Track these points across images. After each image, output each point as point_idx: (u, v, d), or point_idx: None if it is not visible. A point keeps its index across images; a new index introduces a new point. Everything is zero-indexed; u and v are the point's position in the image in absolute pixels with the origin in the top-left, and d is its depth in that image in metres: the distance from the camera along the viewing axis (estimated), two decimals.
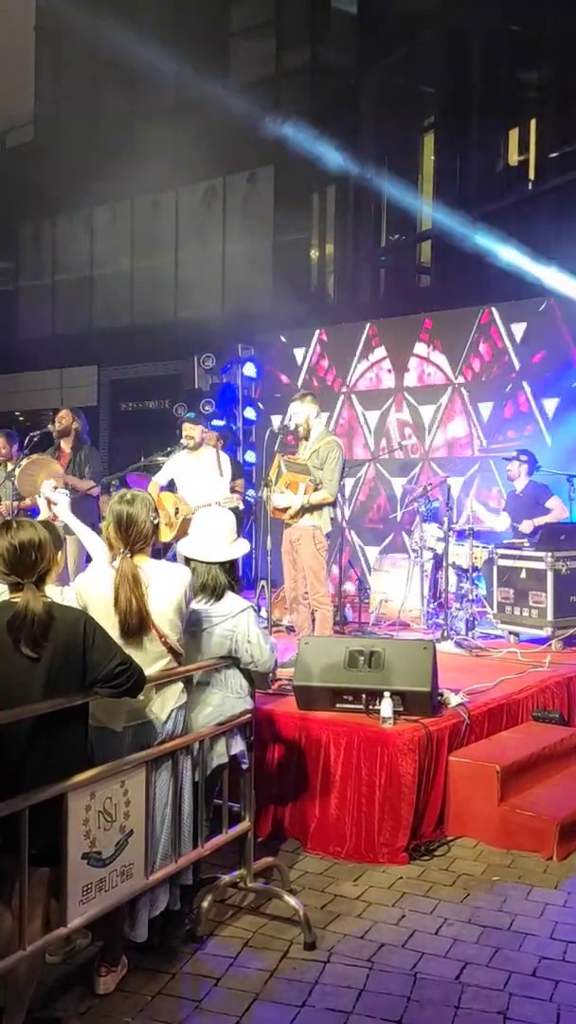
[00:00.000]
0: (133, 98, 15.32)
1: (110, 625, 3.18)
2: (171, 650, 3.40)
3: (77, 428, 7.37)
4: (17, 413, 16.49)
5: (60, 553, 3.15)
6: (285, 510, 6.19)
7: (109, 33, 14.48)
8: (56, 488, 4.48)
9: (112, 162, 14.20)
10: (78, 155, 15.13)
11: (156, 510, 3.50)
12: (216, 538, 3.93)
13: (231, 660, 3.86)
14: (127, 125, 14.85)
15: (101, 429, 14.76)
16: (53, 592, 3.15)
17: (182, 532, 6.32)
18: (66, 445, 7.29)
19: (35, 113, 17.82)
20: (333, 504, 6.36)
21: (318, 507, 6.18)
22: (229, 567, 3.96)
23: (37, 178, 16.04)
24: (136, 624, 3.29)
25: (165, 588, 3.38)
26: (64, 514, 4.33)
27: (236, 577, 4.02)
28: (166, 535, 6.73)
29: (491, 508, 8.42)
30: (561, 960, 3.53)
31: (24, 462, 6.80)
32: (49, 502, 4.38)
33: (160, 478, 7.00)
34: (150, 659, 3.32)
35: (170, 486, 7.03)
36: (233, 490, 7.00)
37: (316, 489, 6.14)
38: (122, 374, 15.15)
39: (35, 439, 7.15)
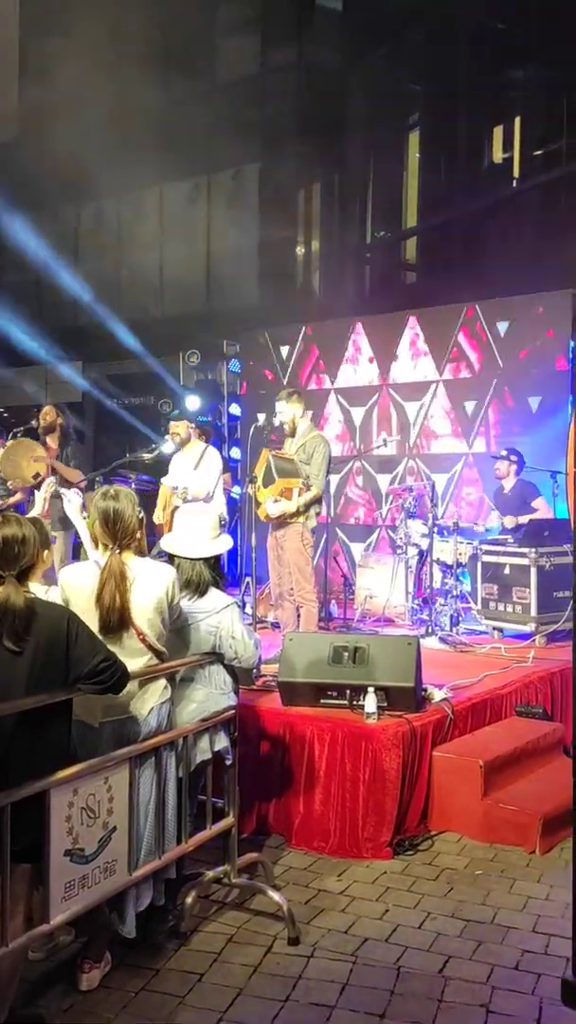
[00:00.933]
0: (118, 95, 15.27)
1: (90, 619, 3.17)
2: (151, 648, 3.40)
3: (62, 424, 7.33)
4: (1, 410, 16.41)
5: (47, 551, 3.15)
6: (280, 516, 6.21)
7: (95, 30, 14.44)
8: (64, 485, 4.50)
9: (97, 159, 14.15)
10: (62, 152, 15.07)
11: (140, 505, 3.50)
12: (199, 534, 3.92)
13: (215, 656, 3.86)
14: (112, 122, 14.79)
15: (85, 425, 14.70)
16: (38, 590, 3.15)
17: (169, 526, 6.33)
18: (52, 441, 7.25)
19: (19, 110, 17.73)
20: (320, 500, 6.38)
21: (309, 504, 6.21)
22: (213, 563, 3.96)
23: (21, 175, 15.96)
24: (117, 620, 3.29)
25: (147, 586, 3.38)
26: (73, 513, 4.34)
27: (220, 573, 4.03)
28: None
29: (479, 505, 8.46)
30: (543, 953, 3.55)
31: (10, 443, 6.77)
32: (52, 497, 4.38)
33: (169, 480, 6.99)
34: (131, 655, 3.31)
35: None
36: (223, 483, 7.01)
37: (308, 488, 6.18)
38: (107, 370, 15.11)
39: (19, 434, 7.12)
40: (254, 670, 4.04)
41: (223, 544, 4.01)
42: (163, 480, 7.07)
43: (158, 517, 6.80)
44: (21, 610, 2.84)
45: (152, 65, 13.53)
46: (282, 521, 6.25)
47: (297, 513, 6.19)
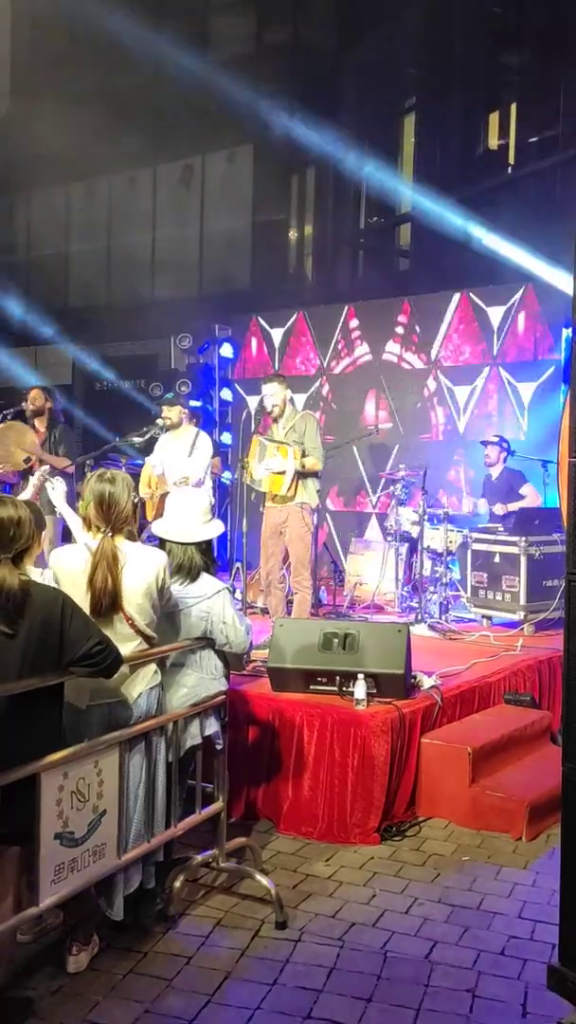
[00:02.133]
0: (111, 74, 15.11)
1: (81, 602, 3.16)
2: (140, 633, 3.39)
3: (50, 407, 7.29)
4: None
5: (43, 533, 3.13)
6: (281, 473, 6.16)
7: (87, 7, 14.26)
8: (54, 474, 4.49)
9: (88, 138, 14.01)
10: (54, 130, 14.91)
11: (136, 489, 3.49)
12: (191, 518, 3.91)
13: (206, 641, 3.85)
14: (104, 101, 14.64)
15: (75, 408, 14.63)
16: (33, 573, 3.13)
17: (160, 511, 6.32)
18: (40, 424, 7.21)
19: (10, 87, 17.53)
20: (319, 475, 6.37)
21: (309, 474, 6.18)
22: (205, 548, 3.95)
23: (11, 153, 15.79)
24: (108, 604, 3.28)
25: (137, 571, 3.37)
26: (59, 501, 4.32)
27: (212, 558, 4.01)
28: (148, 514, 6.75)
29: (466, 492, 8.46)
30: (529, 939, 3.57)
31: (0, 425, 6.76)
32: (42, 483, 4.37)
33: (154, 459, 6.97)
34: (120, 640, 3.30)
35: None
36: (213, 468, 6.99)
37: (305, 455, 6.16)
38: (97, 353, 15.01)
39: (8, 416, 7.08)
40: (245, 655, 4.04)
41: (215, 529, 3.99)
42: (147, 459, 7.04)
43: (143, 493, 6.80)
44: (15, 592, 2.82)
45: (145, 45, 13.38)
46: (287, 498, 6.19)
47: (296, 482, 6.12)
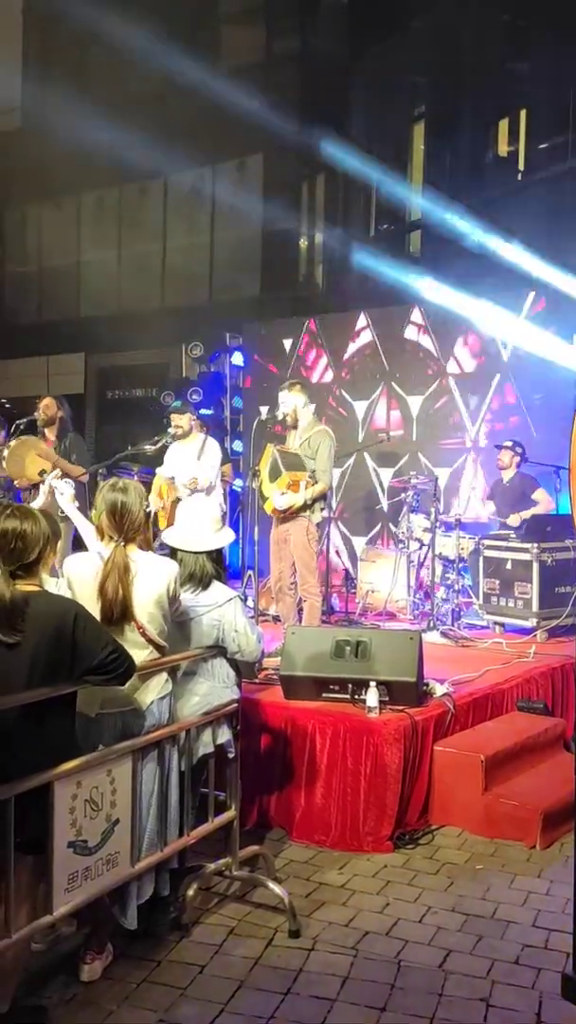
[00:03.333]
0: (121, 84, 15.21)
1: (92, 610, 3.17)
2: (151, 642, 3.40)
3: (62, 416, 7.32)
4: (3, 400, 16.41)
5: (59, 542, 3.13)
6: (287, 510, 6.19)
7: (97, 19, 14.36)
8: (62, 477, 4.48)
9: (100, 149, 14.10)
10: (65, 141, 15.01)
11: (148, 499, 3.51)
12: (201, 527, 3.92)
13: (218, 650, 3.86)
14: (115, 112, 14.75)
15: (88, 417, 14.71)
16: (48, 582, 3.14)
17: (172, 520, 6.35)
18: (51, 433, 7.24)
19: (22, 98, 17.66)
20: (326, 496, 6.38)
21: (316, 499, 6.20)
22: (216, 556, 3.96)
23: (24, 164, 15.90)
24: (120, 613, 3.29)
25: (149, 580, 3.38)
26: (66, 504, 4.33)
27: (223, 566, 4.02)
28: (160, 523, 6.77)
29: (479, 498, 8.45)
30: (543, 948, 3.56)
31: (13, 443, 6.79)
32: (53, 490, 4.37)
33: (165, 470, 6.99)
34: (132, 648, 3.31)
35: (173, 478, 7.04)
36: (223, 475, 7.01)
37: (315, 481, 6.16)
38: (109, 362, 15.09)
39: (21, 427, 7.12)
40: (256, 663, 4.05)
41: (225, 537, 4.00)
42: (158, 470, 7.05)
43: (155, 504, 6.82)
44: (8, 603, 2.83)
45: (156, 54, 13.44)
46: (289, 514, 6.23)
47: (304, 507, 6.18)
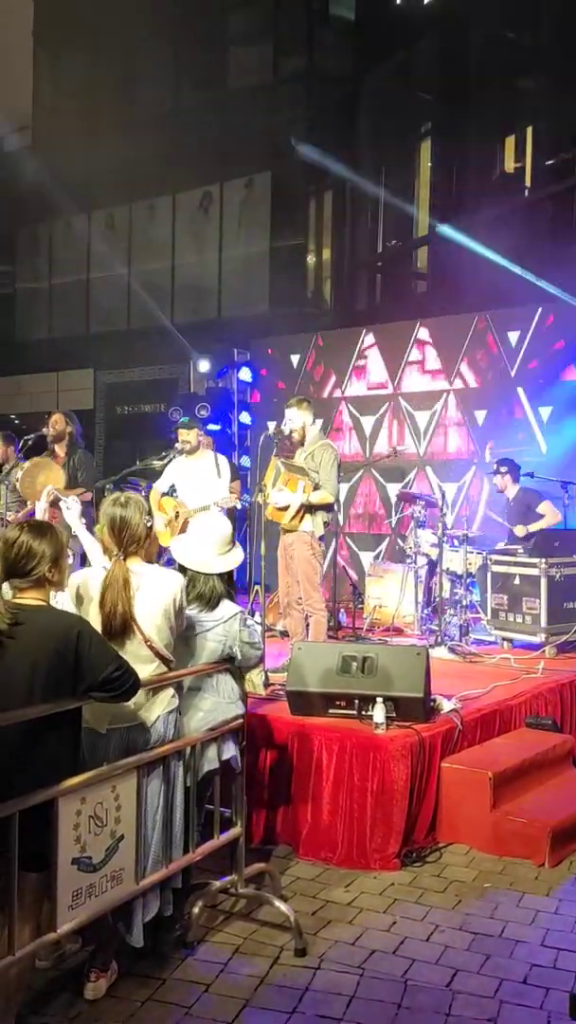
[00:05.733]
0: (131, 103, 15.36)
1: (96, 626, 3.18)
2: (159, 655, 3.40)
3: (71, 432, 7.36)
4: (13, 416, 16.49)
5: (64, 559, 3.13)
6: (285, 509, 6.17)
7: (107, 38, 14.52)
8: (68, 496, 4.51)
9: (110, 166, 14.22)
10: (76, 159, 15.14)
11: (150, 512, 3.51)
12: (212, 547, 3.91)
13: (223, 665, 3.85)
14: (125, 130, 14.88)
15: (97, 432, 14.76)
16: (54, 599, 3.14)
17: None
18: (60, 449, 7.28)
19: (33, 117, 17.83)
20: (330, 508, 6.37)
21: (318, 507, 6.18)
22: (226, 576, 3.95)
23: (35, 182, 16.04)
24: (119, 626, 3.28)
25: (154, 593, 3.38)
26: (73, 521, 4.35)
27: (232, 585, 4.01)
28: (166, 540, 6.73)
29: (487, 512, 8.43)
30: (552, 968, 3.52)
31: (27, 465, 6.84)
32: (49, 503, 4.39)
33: (161, 484, 7.01)
34: (136, 663, 3.30)
35: (170, 492, 7.05)
36: (231, 491, 7.02)
37: (316, 489, 6.14)
38: (118, 378, 15.16)
39: (30, 443, 7.16)
40: (261, 673, 4.01)
41: (236, 557, 3.99)
42: (155, 485, 7.04)
43: (159, 520, 6.81)
44: (3, 615, 2.84)
45: (164, 73, 13.58)
46: (291, 528, 6.22)
47: (302, 514, 6.12)
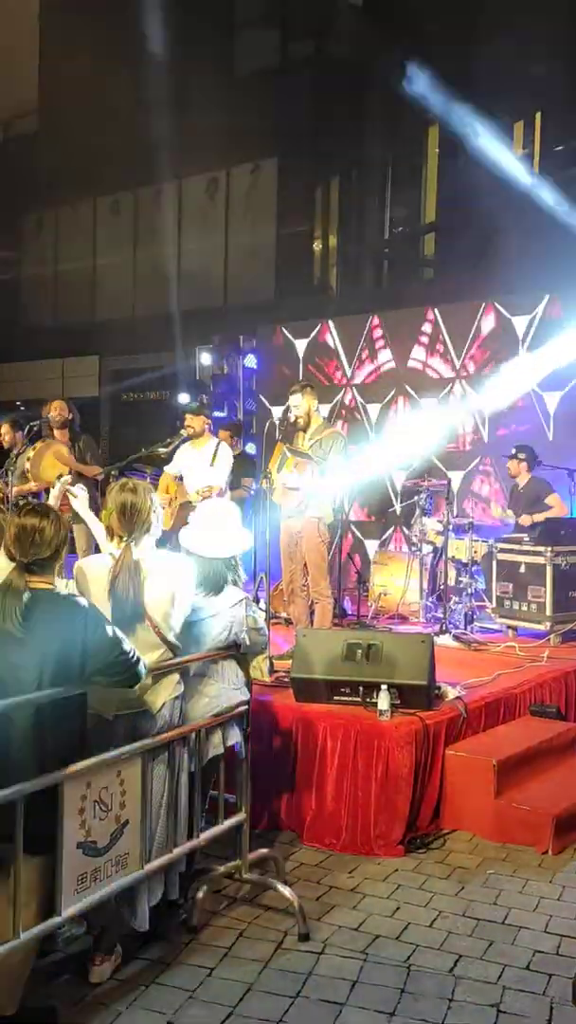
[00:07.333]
0: (137, 88, 15.28)
1: (104, 611, 3.18)
2: (165, 641, 3.40)
3: (71, 419, 7.36)
4: (18, 403, 16.50)
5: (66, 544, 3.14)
6: (294, 490, 6.15)
7: (113, 23, 14.43)
8: (74, 484, 4.51)
9: (115, 152, 14.17)
10: (81, 145, 15.09)
11: (158, 498, 3.51)
12: (218, 532, 3.91)
13: (228, 651, 3.85)
14: (130, 115, 14.82)
15: (102, 419, 14.77)
16: (58, 584, 3.14)
17: (179, 520, 6.32)
18: (62, 436, 7.27)
19: (38, 103, 17.77)
20: (339, 495, 6.36)
21: (329, 493, 6.17)
22: (231, 561, 3.95)
23: (40, 168, 16.00)
24: (130, 612, 3.29)
25: (163, 579, 3.38)
26: (82, 508, 4.34)
27: (238, 571, 4.01)
28: (165, 523, 6.74)
29: (493, 502, 8.41)
30: (555, 954, 3.53)
31: (39, 444, 6.88)
32: (68, 494, 4.39)
33: (172, 468, 7.00)
34: (144, 648, 3.31)
35: (179, 477, 7.04)
36: (243, 486, 6.98)
37: (323, 475, 6.14)
38: (123, 364, 15.15)
39: (35, 428, 7.16)
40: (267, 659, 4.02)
41: (242, 543, 3.99)
42: (167, 468, 7.04)
43: (159, 500, 6.81)
44: (21, 597, 2.84)
45: (171, 59, 13.49)
46: (300, 511, 6.19)
47: (308, 499, 6.11)
